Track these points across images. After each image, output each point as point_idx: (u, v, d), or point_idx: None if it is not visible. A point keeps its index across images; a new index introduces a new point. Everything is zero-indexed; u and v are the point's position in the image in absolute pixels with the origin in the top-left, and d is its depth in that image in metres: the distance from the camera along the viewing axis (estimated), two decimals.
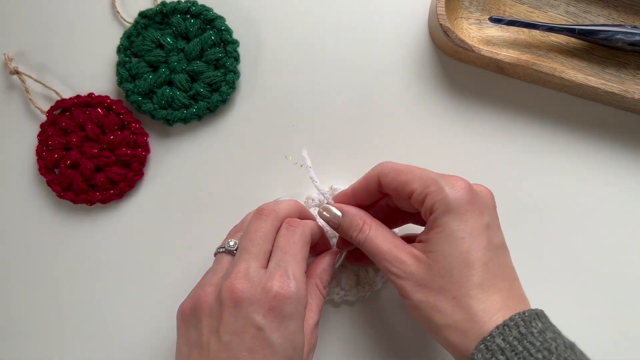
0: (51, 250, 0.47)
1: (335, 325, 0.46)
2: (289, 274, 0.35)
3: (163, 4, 0.46)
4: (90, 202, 0.46)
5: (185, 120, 0.46)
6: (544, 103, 0.47)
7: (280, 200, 0.40)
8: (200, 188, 0.47)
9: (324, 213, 0.40)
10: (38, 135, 0.46)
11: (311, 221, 0.40)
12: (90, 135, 0.46)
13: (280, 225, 0.38)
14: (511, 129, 0.47)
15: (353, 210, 0.40)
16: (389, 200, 0.41)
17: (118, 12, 0.47)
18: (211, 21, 0.46)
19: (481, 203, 0.36)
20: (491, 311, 0.33)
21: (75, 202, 0.46)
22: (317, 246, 0.42)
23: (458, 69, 0.47)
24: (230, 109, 0.48)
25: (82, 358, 0.46)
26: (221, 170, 0.47)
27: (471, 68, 0.47)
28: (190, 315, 0.36)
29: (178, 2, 0.46)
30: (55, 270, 0.47)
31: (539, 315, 0.33)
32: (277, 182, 0.47)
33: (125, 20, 0.47)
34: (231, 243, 0.38)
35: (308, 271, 0.39)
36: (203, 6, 0.46)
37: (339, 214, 0.40)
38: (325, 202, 0.41)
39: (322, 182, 0.47)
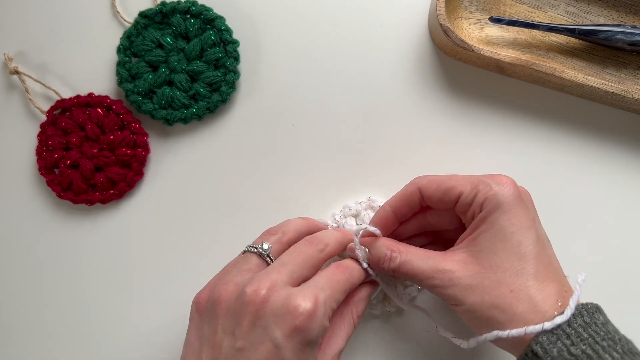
0: (51, 250, 0.47)
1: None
2: (320, 299, 0.33)
3: (163, 3, 0.46)
4: (90, 202, 0.46)
5: (185, 120, 0.46)
6: (544, 103, 0.47)
7: (329, 231, 0.40)
8: (200, 188, 0.47)
9: (350, 254, 0.39)
10: (38, 135, 0.46)
11: (359, 268, 0.38)
12: (90, 135, 0.46)
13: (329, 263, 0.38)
14: (511, 128, 0.47)
15: (378, 242, 0.38)
16: (420, 218, 0.41)
17: (118, 12, 0.47)
18: (211, 21, 0.46)
19: (526, 198, 0.37)
20: (550, 301, 0.33)
21: (75, 202, 0.46)
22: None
23: (458, 69, 0.47)
24: (230, 109, 0.48)
25: (81, 358, 0.46)
26: (221, 170, 0.47)
27: (471, 68, 0.47)
28: (206, 308, 0.35)
29: (178, 2, 0.46)
30: (55, 270, 0.47)
31: (599, 308, 0.34)
32: (277, 182, 0.47)
33: (125, 20, 0.47)
34: (265, 246, 0.37)
35: (345, 298, 0.38)
36: (203, 6, 0.46)
37: (363, 251, 0.39)
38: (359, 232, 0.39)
39: (323, 183, 0.47)
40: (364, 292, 0.39)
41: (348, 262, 0.38)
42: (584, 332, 0.32)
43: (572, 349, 0.31)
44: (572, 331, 0.32)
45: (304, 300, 0.32)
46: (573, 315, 0.32)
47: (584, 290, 0.35)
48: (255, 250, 0.37)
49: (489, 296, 0.34)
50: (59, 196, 0.46)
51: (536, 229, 0.35)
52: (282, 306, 0.32)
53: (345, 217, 0.45)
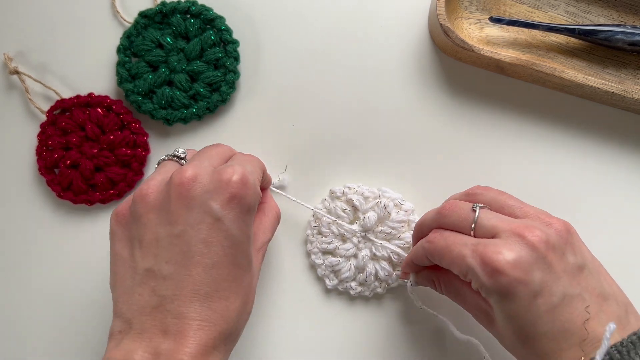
0: (51, 250, 0.47)
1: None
2: (246, 170, 0.34)
3: (163, 3, 0.46)
4: (90, 202, 0.46)
5: (185, 120, 0.46)
6: (544, 103, 0.47)
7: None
8: None
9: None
10: (38, 135, 0.46)
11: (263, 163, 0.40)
12: (90, 135, 0.46)
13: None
14: (511, 128, 0.47)
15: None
16: None
17: (118, 12, 0.47)
18: (211, 21, 0.46)
19: (532, 265, 0.31)
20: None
21: (75, 202, 0.46)
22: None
23: (458, 69, 0.47)
24: (230, 109, 0.48)
25: (82, 357, 0.46)
26: None
27: (471, 68, 0.47)
28: (129, 215, 0.34)
29: (178, 2, 0.46)
30: (55, 270, 0.47)
31: (630, 348, 0.31)
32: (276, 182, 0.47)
33: (125, 20, 0.47)
34: (180, 150, 0.37)
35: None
36: (203, 6, 0.46)
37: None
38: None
39: (323, 183, 0.47)
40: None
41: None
42: None
43: None
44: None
45: (233, 171, 0.33)
46: (625, 345, 0.30)
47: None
48: (170, 157, 0.37)
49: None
50: (59, 196, 0.46)
51: (544, 298, 0.31)
52: (213, 181, 0.32)
53: (334, 200, 0.45)
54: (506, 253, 0.31)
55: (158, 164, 0.38)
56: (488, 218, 0.34)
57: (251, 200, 0.33)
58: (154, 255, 0.32)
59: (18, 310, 0.47)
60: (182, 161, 0.37)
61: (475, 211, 0.35)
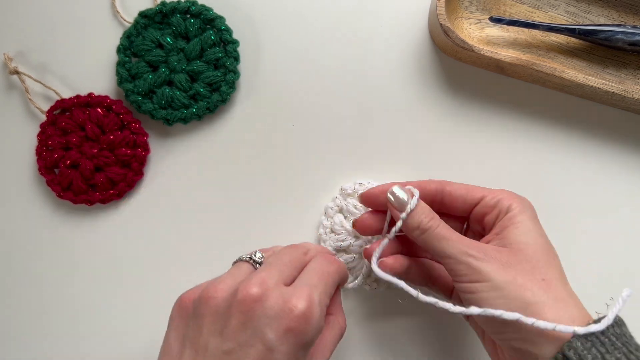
0: (51, 250, 0.47)
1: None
2: (315, 298, 0.32)
3: (163, 3, 0.46)
4: (90, 202, 0.46)
5: (185, 120, 0.46)
6: (544, 103, 0.47)
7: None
8: (200, 188, 0.47)
9: (398, 193, 0.37)
10: (38, 135, 0.46)
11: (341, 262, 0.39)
12: (90, 135, 0.46)
13: (311, 259, 0.37)
14: (511, 128, 0.47)
15: (422, 203, 0.37)
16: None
17: (118, 11, 0.47)
18: (211, 21, 0.46)
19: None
20: (575, 298, 0.34)
21: (75, 202, 0.46)
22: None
23: (458, 69, 0.47)
24: (230, 109, 0.48)
25: (81, 357, 0.46)
26: (221, 170, 0.47)
27: (471, 68, 0.47)
28: (191, 309, 0.33)
29: (178, 2, 0.46)
30: (55, 270, 0.47)
31: (623, 322, 0.33)
32: (276, 183, 0.47)
33: (125, 20, 0.47)
34: (258, 255, 0.36)
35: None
36: (203, 6, 0.46)
37: (416, 192, 0.37)
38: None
39: (323, 183, 0.47)
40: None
41: (331, 256, 0.38)
42: (617, 341, 0.31)
43: (607, 356, 0.31)
44: (606, 339, 0.31)
45: (299, 300, 0.31)
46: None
47: (585, 290, 0.35)
48: (247, 258, 0.36)
49: (522, 278, 0.33)
50: (59, 196, 0.46)
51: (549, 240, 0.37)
52: (275, 306, 0.31)
53: (346, 198, 0.45)
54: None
55: (234, 263, 0.37)
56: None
57: (311, 336, 0.31)
58: None
59: (18, 311, 0.47)
60: (257, 265, 0.36)
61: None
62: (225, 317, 0.31)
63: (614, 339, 0.31)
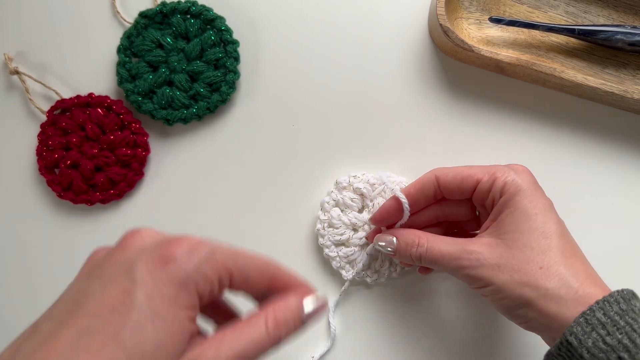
0: (51, 250, 0.47)
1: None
2: (211, 245, 0.26)
3: (163, 4, 0.46)
4: (90, 202, 0.46)
5: (185, 120, 0.46)
6: (543, 103, 0.47)
7: None
8: (200, 188, 0.47)
9: (379, 243, 0.40)
10: (38, 135, 0.46)
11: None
12: (90, 135, 0.46)
13: None
14: (511, 128, 0.47)
15: (404, 230, 0.40)
16: (435, 209, 0.41)
17: (118, 12, 0.47)
18: (211, 21, 0.46)
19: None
20: (580, 277, 0.34)
21: (75, 202, 0.46)
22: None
23: (458, 69, 0.47)
24: (230, 109, 0.48)
25: None
26: (221, 170, 0.47)
27: (471, 68, 0.47)
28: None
29: (178, 2, 0.46)
30: (55, 270, 0.47)
31: (635, 294, 0.33)
32: (276, 183, 0.47)
33: (125, 20, 0.47)
34: None
35: (266, 299, 0.29)
36: (203, 6, 0.46)
37: (393, 238, 0.40)
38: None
39: (323, 183, 0.47)
40: (292, 301, 0.28)
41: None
42: (620, 320, 0.31)
43: (608, 339, 0.31)
44: (608, 320, 0.31)
45: (189, 236, 0.25)
46: (609, 302, 0.32)
47: None
48: None
49: (519, 274, 0.34)
50: (59, 196, 0.46)
51: (555, 212, 0.37)
52: (156, 240, 0.26)
53: (341, 191, 0.45)
54: (522, 167, 0.39)
55: None
56: None
57: (186, 270, 0.25)
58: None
59: (18, 311, 0.47)
60: None
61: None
62: (108, 252, 0.27)
63: (617, 317, 0.31)
